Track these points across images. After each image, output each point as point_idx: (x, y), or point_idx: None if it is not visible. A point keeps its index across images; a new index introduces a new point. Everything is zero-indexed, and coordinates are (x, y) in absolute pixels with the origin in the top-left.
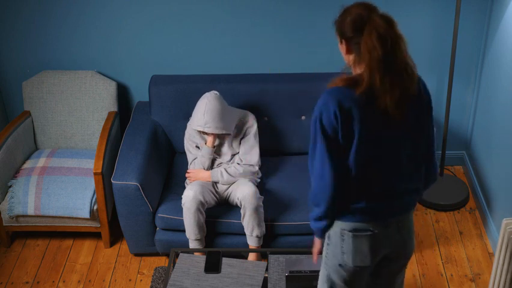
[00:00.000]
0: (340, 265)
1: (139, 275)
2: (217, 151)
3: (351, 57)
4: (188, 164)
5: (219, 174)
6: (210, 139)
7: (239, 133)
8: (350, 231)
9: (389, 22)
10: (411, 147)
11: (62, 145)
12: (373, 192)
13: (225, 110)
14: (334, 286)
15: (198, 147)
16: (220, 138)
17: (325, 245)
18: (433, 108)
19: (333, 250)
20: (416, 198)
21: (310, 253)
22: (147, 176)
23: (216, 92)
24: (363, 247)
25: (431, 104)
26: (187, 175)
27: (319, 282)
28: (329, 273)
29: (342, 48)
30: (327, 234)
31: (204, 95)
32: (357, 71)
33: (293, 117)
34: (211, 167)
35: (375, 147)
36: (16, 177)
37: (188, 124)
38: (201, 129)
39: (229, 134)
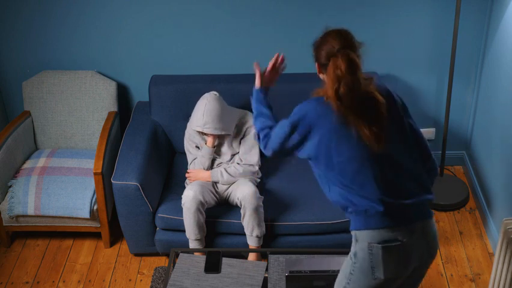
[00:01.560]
0: (368, 280)
1: (139, 275)
2: (217, 151)
3: (322, 76)
4: (188, 164)
5: (218, 174)
6: (209, 139)
7: (239, 133)
8: (378, 243)
9: (351, 67)
10: (403, 147)
11: (62, 145)
12: (382, 193)
13: (224, 110)
14: None
15: (197, 147)
16: (220, 138)
17: (348, 263)
18: (408, 109)
19: (361, 266)
20: (430, 199)
21: (311, 253)
22: (147, 176)
23: (215, 92)
24: (394, 258)
25: (403, 104)
26: (187, 175)
27: None
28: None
29: (316, 65)
30: (352, 252)
31: (203, 96)
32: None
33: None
34: (211, 167)
35: (355, 153)
36: (16, 177)
37: (188, 124)
38: (200, 130)
39: (229, 135)
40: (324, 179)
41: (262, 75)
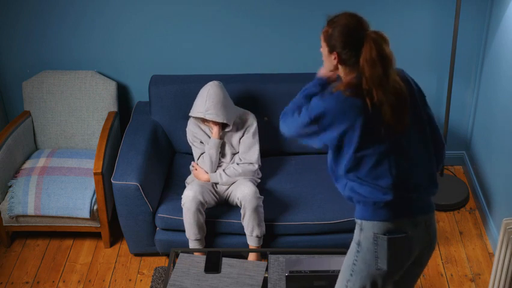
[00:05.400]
0: (371, 270)
1: (139, 275)
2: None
3: (341, 67)
4: (195, 159)
5: (218, 176)
6: (215, 129)
7: (239, 132)
8: (383, 234)
9: (385, 40)
10: (419, 138)
11: (62, 145)
12: (395, 184)
13: (226, 99)
14: None
15: (202, 143)
16: (221, 135)
17: (352, 252)
18: (429, 104)
19: (365, 256)
20: (435, 191)
21: (311, 253)
22: (147, 176)
23: (219, 81)
24: (398, 250)
25: (422, 93)
26: (192, 168)
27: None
28: (356, 279)
29: (329, 58)
30: (355, 241)
31: (207, 84)
32: (346, 77)
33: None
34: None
35: (377, 149)
36: (16, 177)
37: (189, 114)
38: (202, 116)
39: (228, 126)
40: (336, 168)
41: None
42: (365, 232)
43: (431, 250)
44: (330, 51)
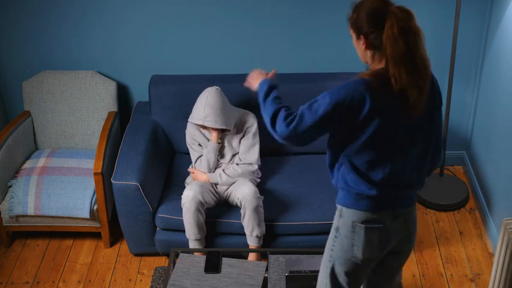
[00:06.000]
0: (347, 257)
1: (139, 275)
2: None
3: (370, 52)
4: (193, 162)
5: (217, 176)
6: (214, 134)
7: (239, 132)
8: (361, 223)
9: (409, 14)
10: (423, 140)
11: (62, 145)
12: (384, 180)
13: (225, 105)
14: (337, 278)
15: (200, 145)
16: (221, 137)
17: (331, 237)
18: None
19: (342, 243)
20: (419, 189)
21: (311, 253)
22: (147, 176)
23: (217, 87)
24: (374, 239)
25: (441, 97)
26: (190, 172)
27: (320, 274)
28: (333, 265)
29: (358, 44)
30: (334, 227)
31: (205, 90)
32: (377, 66)
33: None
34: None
35: (389, 141)
36: (16, 177)
37: (188, 120)
38: (201, 123)
39: (229, 131)
40: (335, 151)
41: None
42: (344, 219)
43: (410, 241)
44: (358, 37)
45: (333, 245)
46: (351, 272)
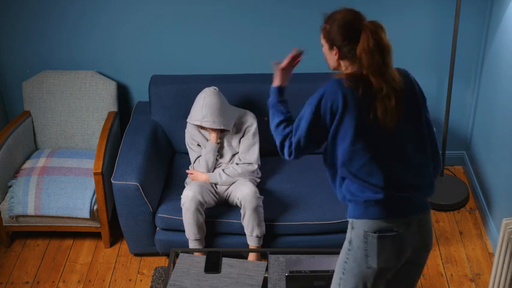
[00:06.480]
0: (361, 269)
1: (139, 275)
2: (218, 151)
3: (342, 62)
4: (192, 162)
5: (217, 175)
6: (213, 135)
7: (239, 132)
8: (374, 232)
9: (382, 29)
10: (415, 136)
11: (62, 145)
12: (387, 183)
13: (223, 105)
14: None
15: (199, 145)
16: (220, 137)
17: (344, 251)
18: (427, 101)
19: (355, 254)
20: (431, 194)
21: (311, 253)
22: (147, 176)
23: (215, 87)
24: (388, 248)
25: (423, 94)
26: (188, 173)
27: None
28: (348, 277)
29: (330, 54)
30: (347, 240)
31: (203, 90)
32: (347, 71)
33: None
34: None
35: (373, 142)
36: (16, 177)
37: (187, 120)
38: (199, 123)
39: (228, 131)
40: (331, 162)
41: (281, 71)
42: (356, 230)
43: (426, 251)
44: (331, 47)
45: (347, 258)
46: (365, 284)
